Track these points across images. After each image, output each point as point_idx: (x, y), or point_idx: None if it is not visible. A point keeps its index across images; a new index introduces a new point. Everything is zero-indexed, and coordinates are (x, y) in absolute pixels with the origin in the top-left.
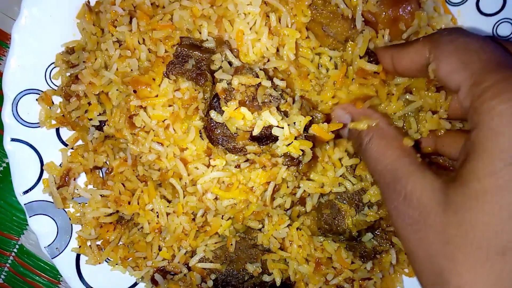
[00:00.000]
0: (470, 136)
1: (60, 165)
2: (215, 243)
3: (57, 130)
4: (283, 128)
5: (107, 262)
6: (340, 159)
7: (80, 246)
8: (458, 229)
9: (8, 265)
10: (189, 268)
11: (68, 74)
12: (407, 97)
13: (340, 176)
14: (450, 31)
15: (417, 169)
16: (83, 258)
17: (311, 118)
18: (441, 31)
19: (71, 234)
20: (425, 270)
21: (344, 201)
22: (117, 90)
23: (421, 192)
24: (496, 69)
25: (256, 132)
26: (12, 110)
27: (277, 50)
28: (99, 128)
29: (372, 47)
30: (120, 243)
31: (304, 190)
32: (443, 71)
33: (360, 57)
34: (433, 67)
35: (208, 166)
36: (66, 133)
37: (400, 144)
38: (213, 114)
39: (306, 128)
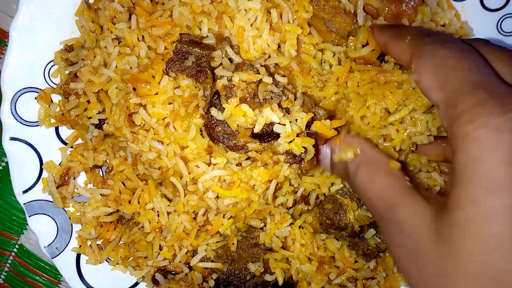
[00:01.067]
0: (453, 160)
1: (59, 164)
2: (217, 242)
3: (56, 129)
4: (284, 125)
5: (108, 261)
6: None
7: (80, 246)
8: (450, 260)
9: (8, 265)
10: (190, 268)
11: (67, 72)
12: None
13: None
14: (433, 40)
15: (408, 195)
16: (83, 258)
17: (313, 115)
18: (427, 35)
19: (71, 233)
20: None
21: (346, 196)
22: (116, 88)
23: (413, 221)
24: (471, 91)
25: (257, 129)
26: (11, 109)
27: (279, 47)
28: (99, 126)
29: None
30: (121, 242)
31: (305, 189)
32: (423, 86)
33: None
34: (415, 79)
35: (209, 164)
36: (65, 132)
37: (388, 168)
38: (213, 111)
39: (308, 125)
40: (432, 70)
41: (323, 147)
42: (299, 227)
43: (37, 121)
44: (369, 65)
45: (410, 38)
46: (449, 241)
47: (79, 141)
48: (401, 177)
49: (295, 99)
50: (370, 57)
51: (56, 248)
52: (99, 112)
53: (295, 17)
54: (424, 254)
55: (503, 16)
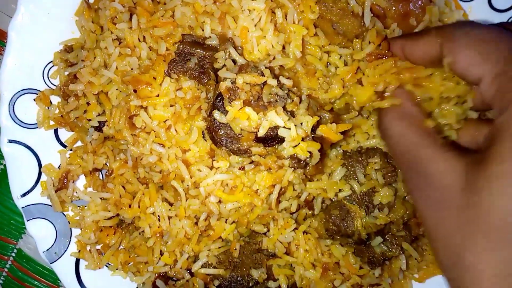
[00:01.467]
0: (495, 122)
1: (58, 167)
2: (219, 247)
3: (56, 131)
4: (289, 129)
5: (107, 267)
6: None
7: (79, 251)
8: (478, 210)
9: (6, 269)
10: (191, 274)
11: (66, 73)
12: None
13: (343, 177)
14: (462, 24)
15: (439, 150)
16: (82, 263)
17: (318, 118)
18: (452, 25)
19: (70, 238)
20: (443, 247)
21: (354, 202)
22: (116, 89)
23: (443, 174)
24: None
25: (261, 133)
26: (9, 111)
27: (283, 48)
28: (99, 129)
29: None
30: (121, 247)
31: (309, 193)
32: (462, 65)
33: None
34: (449, 61)
35: (211, 168)
36: (64, 134)
37: (422, 124)
38: (216, 114)
39: (313, 129)
40: (471, 46)
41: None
42: (304, 232)
43: (36, 123)
44: (384, 57)
45: (435, 31)
46: (481, 192)
47: (79, 143)
48: (434, 134)
49: (300, 102)
50: (380, 51)
51: (55, 253)
52: (99, 114)
53: (300, 17)
54: (450, 204)
55: (511, 17)
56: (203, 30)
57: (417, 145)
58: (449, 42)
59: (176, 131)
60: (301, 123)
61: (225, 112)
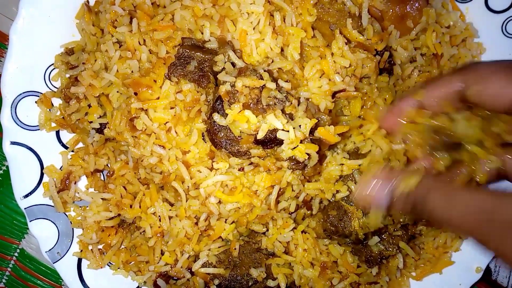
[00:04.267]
0: None
1: (60, 168)
2: (219, 247)
3: (57, 133)
4: (288, 131)
5: (109, 266)
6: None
7: (81, 250)
8: None
9: (9, 269)
10: (192, 273)
11: (67, 75)
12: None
13: (340, 179)
14: (475, 63)
15: (500, 195)
16: (84, 262)
17: (316, 120)
18: (468, 63)
19: (72, 238)
20: None
21: (351, 203)
22: (117, 92)
23: None
24: None
25: (260, 135)
26: (11, 113)
27: (282, 50)
28: (100, 130)
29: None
30: (122, 247)
31: (307, 193)
32: (491, 90)
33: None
34: (476, 89)
35: (211, 169)
36: (66, 136)
37: (455, 183)
38: (216, 117)
39: (311, 131)
40: (498, 72)
41: (373, 184)
42: (302, 232)
43: (38, 125)
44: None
45: (453, 70)
46: None
47: (80, 145)
48: (477, 187)
49: (298, 105)
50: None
51: (57, 252)
52: (100, 116)
53: (298, 20)
54: None
55: (508, 18)
56: (202, 33)
57: (473, 206)
58: (473, 73)
59: (176, 133)
60: (300, 126)
61: (225, 115)
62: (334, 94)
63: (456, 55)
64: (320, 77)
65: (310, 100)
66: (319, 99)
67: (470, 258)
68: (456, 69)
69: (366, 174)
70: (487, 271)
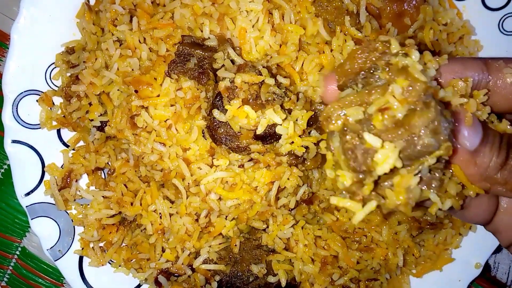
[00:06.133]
0: None
1: (61, 167)
2: (219, 244)
3: (58, 131)
4: (287, 127)
5: (110, 263)
6: None
7: (82, 248)
8: None
9: (11, 267)
10: (193, 270)
11: (68, 74)
12: None
13: None
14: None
15: None
16: (86, 260)
17: (313, 113)
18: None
19: (74, 236)
20: None
21: None
22: (118, 90)
23: None
24: None
25: (260, 130)
26: (13, 112)
27: (280, 47)
28: (101, 128)
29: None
30: (123, 244)
31: (304, 191)
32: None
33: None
34: (495, 84)
35: (211, 166)
36: (67, 134)
37: None
38: (216, 113)
39: (310, 124)
40: None
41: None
42: (302, 227)
43: (39, 124)
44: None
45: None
46: None
47: (81, 143)
48: None
49: (297, 100)
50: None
51: (59, 250)
52: (101, 115)
53: (297, 18)
54: None
55: (505, 15)
56: (202, 31)
57: None
58: (494, 63)
59: (176, 130)
60: (297, 119)
61: (224, 111)
62: None
63: (454, 53)
64: (320, 71)
65: (306, 91)
66: (318, 92)
67: (469, 254)
68: (486, 58)
69: None
70: (487, 267)
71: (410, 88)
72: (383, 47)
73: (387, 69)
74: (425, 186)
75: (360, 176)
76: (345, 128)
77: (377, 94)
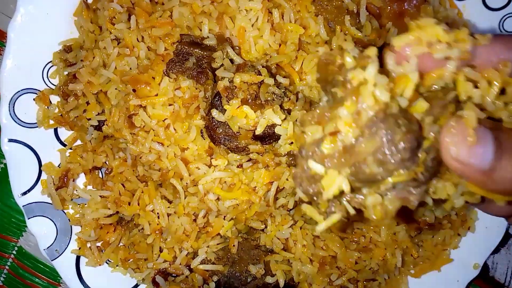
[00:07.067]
0: None
1: (58, 166)
2: (217, 244)
3: (55, 130)
4: (287, 127)
5: (108, 263)
6: None
7: (80, 248)
8: None
9: (7, 267)
10: (190, 270)
11: (66, 73)
12: None
13: None
14: None
15: None
16: (83, 260)
17: None
18: None
19: (71, 235)
20: None
21: None
22: (116, 89)
23: None
24: None
25: (259, 131)
26: (9, 110)
27: (280, 46)
28: (98, 128)
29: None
30: (121, 244)
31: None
32: None
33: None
34: None
35: (210, 166)
36: (64, 133)
37: None
38: (214, 113)
39: None
40: None
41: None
42: (300, 228)
43: (36, 123)
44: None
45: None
46: None
47: (78, 142)
48: None
49: (297, 100)
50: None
51: (56, 250)
52: (99, 114)
53: (297, 17)
54: None
55: (505, 15)
56: (201, 30)
57: None
58: None
59: (175, 129)
60: (296, 120)
61: (223, 111)
62: None
63: None
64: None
65: (303, 91)
66: (319, 90)
67: (467, 255)
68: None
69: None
70: (485, 267)
71: (360, 110)
72: (341, 59)
73: (347, 84)
74: (406, 194)
75: (313, 197)
76: (302, 148)
77: (335, 112)
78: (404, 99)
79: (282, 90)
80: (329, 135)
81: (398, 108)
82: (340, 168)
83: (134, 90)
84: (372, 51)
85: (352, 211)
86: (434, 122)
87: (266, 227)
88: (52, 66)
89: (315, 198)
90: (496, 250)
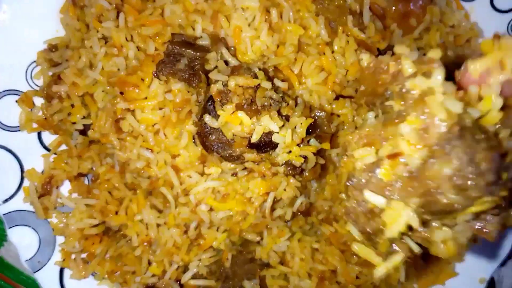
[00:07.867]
0: None
1: (42, 172)
2: (210, 257)
3: (39, 134)
4: (285, 135)
5: (93, 276)
6: None
7: (64, 259)
8: None
9: None
10: (181, 285)
11: (50, 73)
12: None
13: None
14: None
15: None
16: (67, 272)
17: (313, 120)
18: None
19: (54, 246)
20: None
21: None
22: (102, 91)
23: None
24: None
25: (254, 138)
26: None
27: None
28: (84, 132)
29: None
30: (107, 256)
31: (301, 202)
32: None
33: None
34: None
35: (202, 174)
36: (48, 138)
37: None
38: (207, 118)
39: (310, 131)
40: None
41: None
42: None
43: (18, 126)
44: None
45: None
46: None
47: (63, 147)
48: None
49: (296, 106)
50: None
51: (38, 261)
52: (84, 117)
53: (296, 17)
54: None
55: None
56: (194, 29)
57: None
58: None
59: (165, 135)
60: (295, 127)
61: (217, 116)
62: (337, 98)
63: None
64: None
65: (302, 95)
66: (319, 95)
67: (473, 268)
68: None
69: None
70: (491, 281)
71: (428, 126)
72: (395, 66)
73: (406, 95)
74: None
75: (370, 235)
76: (351, 176)
77: (392, 129)
78: (476, 110)
79: (280, 95)
80: (386, 158)
81: (471, 120)
82: (407, 198)
83: (121, 93)
84: (437, 53)
85: (417, 250)
86: (511, 135)
87: (262, 239)
88: (36, 66)
89: (373, 236)
90: (502, 264)
